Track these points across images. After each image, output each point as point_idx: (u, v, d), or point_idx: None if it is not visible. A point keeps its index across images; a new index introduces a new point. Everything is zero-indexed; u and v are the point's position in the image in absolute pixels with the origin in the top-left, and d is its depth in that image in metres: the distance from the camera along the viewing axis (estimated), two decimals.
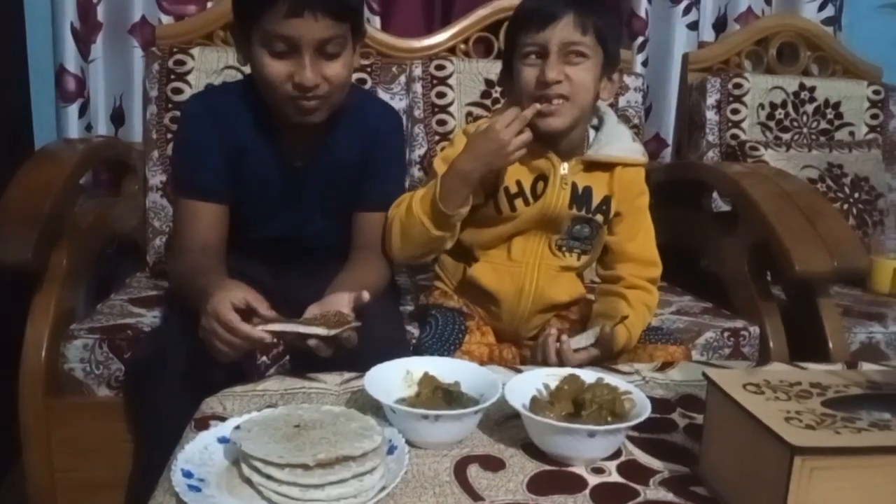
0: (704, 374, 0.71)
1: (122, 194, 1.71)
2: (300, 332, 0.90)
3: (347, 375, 0.93)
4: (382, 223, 1.24)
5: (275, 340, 0.93)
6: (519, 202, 1.20)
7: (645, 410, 0.74)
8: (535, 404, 0.77)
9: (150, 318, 1.31)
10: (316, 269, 1.16)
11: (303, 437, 0.68)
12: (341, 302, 0.97)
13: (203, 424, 0.79)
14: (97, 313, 1.34)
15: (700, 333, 1.39)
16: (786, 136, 1.98)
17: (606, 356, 1.11)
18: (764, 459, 0.60)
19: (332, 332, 0.90)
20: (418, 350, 1.19)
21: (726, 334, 1.40)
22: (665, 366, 1.02)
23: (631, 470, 0.73)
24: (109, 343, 1.22)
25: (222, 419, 0.80)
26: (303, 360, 1.04)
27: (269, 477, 0.64)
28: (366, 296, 0.99)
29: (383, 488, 0.66)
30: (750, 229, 1.48)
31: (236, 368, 1.00)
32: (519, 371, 0.90)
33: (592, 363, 1.08)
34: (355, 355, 0.94)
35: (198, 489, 0.65)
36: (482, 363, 0.94)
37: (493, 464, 0.74)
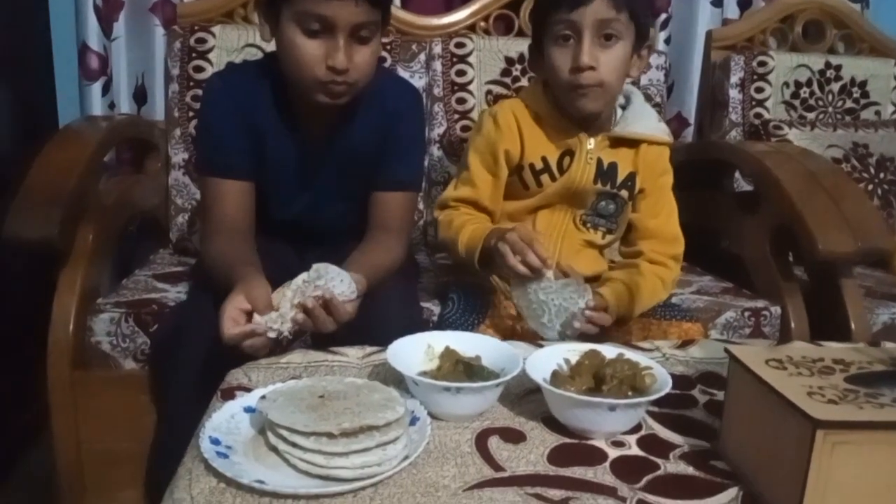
0: (726, 350, 0.71)
1: (144, 172, 1.73)
2: (291, 301, 0.94)
3: (369, 349, 0.94)
4: (400, 204, 1.24)
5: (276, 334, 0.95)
6: (545, 177, 1.21)
7: (665, 385, 0.74)
8: (556, 378, 0.78)
9: (173, 294, 1.33)
10: (338, 250, 1.17)
11: (327, 407, 0.69)
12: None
13: (229, 395, 0.81)
14: (122, 288, 1.36)
15: (720, 313, 1.38)
16: (810, 116, 1.95)
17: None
18: (785, 434, 0.61)
19: (311, 271, 0.94)
20: (441, 326, 1.20)
21: (747, 314, 1.39)
22: (686, 343, 1.02)
23: (651, 444, 0.74)
24: (135, 317, 1.24)
25: (248, 390, 0.81)
26: (324, 335, 1.06)
27: (294, 445, 0.65)
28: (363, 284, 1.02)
29: (406, 457, 0.67)
30: (773, 209, 1.47)
31: None
32: (540, 346, 0.90)
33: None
34: (370, 332, 0.96)
35: (225, 456, 0.67)
36: (504, 338, 0.95)
37: (513, 436, 0.74)
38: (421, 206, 1.67)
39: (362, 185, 1.24)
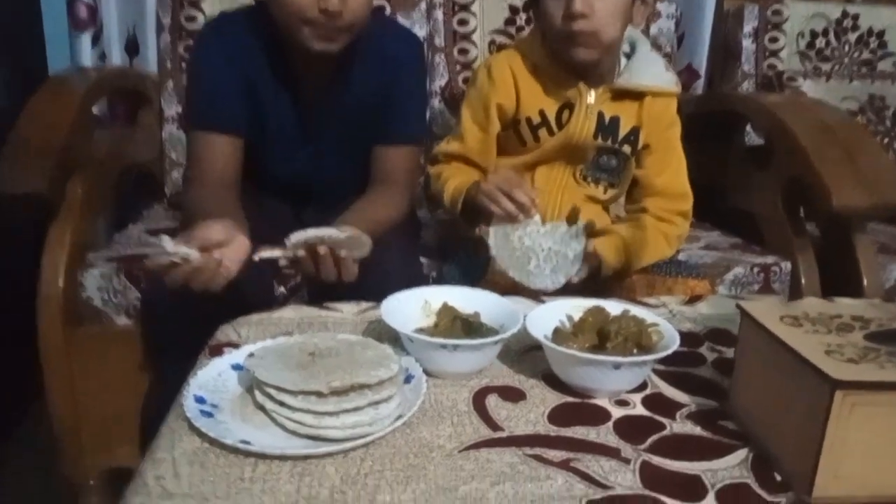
0: (738, 306, 0.67)
1: (138, 126, 1.68)
2: (309, 238, 0.87)
3: (364, 305, 0.91)
4: (402, 157, 1.20)
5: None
6: (542, 132, 1.17)
7: (673, 343, 0.71)
8: (558, 335, 0.74)
9: None
10: (334, 207, 1.13)
11: (317, 365, 0.66)
12: None
13: (217, 351, 0.78)
14: (115, 243, 1.33)
15: (729, 269, 1.34)
16: (825, 67, 1.89)
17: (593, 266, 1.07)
18: (801, 394, 0.57)
19: (345, 233, 0.87)
20: (441, 283, 1.17)
21: (756, 270, 1.35)
22: (693, 299, 0.98)
23: (656, 403, 0.71)
24: (126, 272, 1.21)
25: (237, 346, 0.78)
26: (320, 291, 1.02)
27: (282, 404, 0.63)
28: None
29: (400, 417, 0.64)
30: (785, 163, 1.43)
31: (252, 299, 0.99)
32: (542, 302, 0.87)
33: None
34: (369, 288, 0.92)
35: (210, 415, 0.64)
36: (505, 293, 0.91)
37: (513, 394, 0.71)
38: (422, 160, 1.62)
39: (363, 141, 1.20)
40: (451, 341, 0.71)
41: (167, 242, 0.80)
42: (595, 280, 1.08)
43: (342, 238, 0.88)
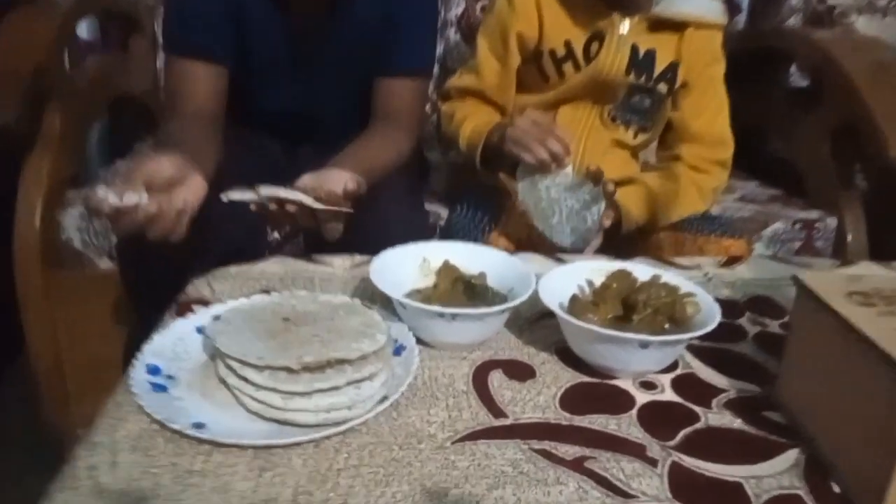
0: (795, 279, 0.56)
1: (130, 54, 1.56)
2: (280, 197, 0.77)
3: (358, 259, 0.81)
4: (408, 92, 1.08)
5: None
6: (568, 67, 1.04)
7: (712, 319, 0.60)
8: (575, 305, 0.63)
9: None
10: (332, 146, 1.02)
11: (290, 334, 0.56)
12: (339, 180, 0.83)
13: (186, 309, 0.68)
14: (100, 180, 1.23)
15: (767, 224, 1.23)
16: (882, 1, 1.71)
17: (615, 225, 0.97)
18: (874, 391, 0.46)
19: (317, 205, 0.77)
20: (448, 232, 1.07)
21: (798, 225, 1.23)
22: (731, 261, 0.86)
23: (689, 387, 0.60)
24: None
25: (208, 304, 0.68)
26: (319, 239, 0.92)
27: (246, 380, 0.53)
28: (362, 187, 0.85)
29: (385, 398, 0.54)
30: (835, 106, 1.29)
31: (241, 244, 0.89)
32: (561, 261, 0.76)
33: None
34: (366, 239, 0.82)
35: (164, 388, 0.55)
36: (519, 248, 0.80)
37: (520, 371, 0.61)
38: (434, 96, 1.50)
39: (363, 73, 1.08)
40: (449, 310, 0.61)
41: (103, 191, 0.67)
42: (615, 236, 0.97)
43: (314, 207, 0.78)
